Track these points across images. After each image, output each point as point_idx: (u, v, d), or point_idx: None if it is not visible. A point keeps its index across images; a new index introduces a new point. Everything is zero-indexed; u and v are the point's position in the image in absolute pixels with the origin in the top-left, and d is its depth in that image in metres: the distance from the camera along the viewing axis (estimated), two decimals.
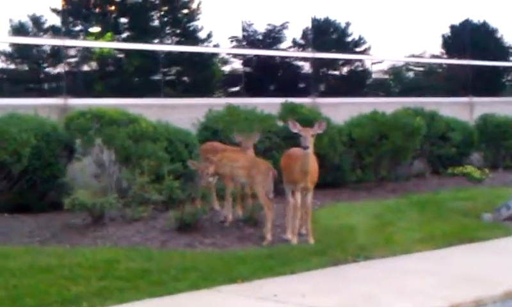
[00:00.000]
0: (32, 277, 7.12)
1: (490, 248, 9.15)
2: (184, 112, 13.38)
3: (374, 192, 13.49)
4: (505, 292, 6.92)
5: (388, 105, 14.97)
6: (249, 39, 15.87)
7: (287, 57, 16.71)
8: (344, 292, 6.96)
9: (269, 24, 16.16)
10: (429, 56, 19.11)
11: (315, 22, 16.61)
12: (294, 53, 16.76)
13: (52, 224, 9.74)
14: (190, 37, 15.23)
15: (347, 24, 17.36)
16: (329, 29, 17.47)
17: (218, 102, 13.86)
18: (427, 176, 15.27)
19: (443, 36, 19.24)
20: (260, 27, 16.09)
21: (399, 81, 19.23)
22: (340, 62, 17.63)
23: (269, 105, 13.51)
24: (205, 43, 15.23)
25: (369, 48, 17.59)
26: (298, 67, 17.07)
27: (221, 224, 9.75)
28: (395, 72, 18.93)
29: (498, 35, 20.20)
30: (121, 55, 14.72)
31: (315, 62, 16.45)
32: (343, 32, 17.45)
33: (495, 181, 14.57)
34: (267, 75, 16.37)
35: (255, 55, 16.03)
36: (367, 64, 17.90)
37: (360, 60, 17.76)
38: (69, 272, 7.31)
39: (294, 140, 12.83)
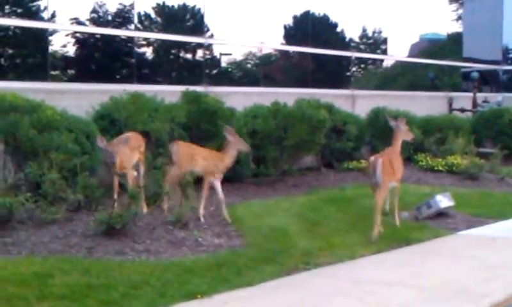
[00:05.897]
0: None
1: (438, 251, 8.73)
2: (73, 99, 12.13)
3: (277, 187, 12.88)
4: (492, 305, 6.49)
5: (270, 95, 14.32)
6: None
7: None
8: None
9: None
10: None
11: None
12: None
13: None
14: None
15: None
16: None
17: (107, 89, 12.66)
18: (323, 172, 14.80)
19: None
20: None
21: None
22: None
23: (163, 92, 12.59)
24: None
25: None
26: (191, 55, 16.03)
27: (148, 227, 8.70)
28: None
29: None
30: None
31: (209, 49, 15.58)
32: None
33: None
34: (162, 62, 15.23)
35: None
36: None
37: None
38: None
39: (196, 131, 12.02)
